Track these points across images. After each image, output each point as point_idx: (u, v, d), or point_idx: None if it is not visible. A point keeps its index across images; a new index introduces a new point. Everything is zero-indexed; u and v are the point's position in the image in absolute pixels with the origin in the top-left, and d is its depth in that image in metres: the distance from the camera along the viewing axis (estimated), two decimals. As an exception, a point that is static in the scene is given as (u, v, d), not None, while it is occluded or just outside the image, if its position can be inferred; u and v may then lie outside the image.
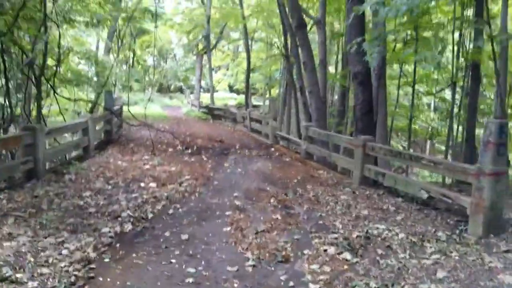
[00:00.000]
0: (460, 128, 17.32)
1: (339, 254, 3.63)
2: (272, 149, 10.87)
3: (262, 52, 32.01)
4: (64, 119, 11.27)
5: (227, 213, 4.85)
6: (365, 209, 5.20)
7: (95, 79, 21.62)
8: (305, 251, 3.69)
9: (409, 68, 18.45)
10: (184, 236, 3.96)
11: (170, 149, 9.96)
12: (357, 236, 4.11)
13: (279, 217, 4.78)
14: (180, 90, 44.87)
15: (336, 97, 25.77)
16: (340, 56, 23.01)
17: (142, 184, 6.06)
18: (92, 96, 23.55)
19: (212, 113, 20.71)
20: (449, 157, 17.46)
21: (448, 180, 15.37)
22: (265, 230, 4.25)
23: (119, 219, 4.35)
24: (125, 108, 18.84)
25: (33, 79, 10.41)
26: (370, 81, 7.14)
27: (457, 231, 4.38)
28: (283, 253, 3.59)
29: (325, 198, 5.73)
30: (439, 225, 4.61)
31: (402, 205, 5.40)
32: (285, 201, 5.52)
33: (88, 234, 3.82)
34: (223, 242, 3.88)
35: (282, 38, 25.25)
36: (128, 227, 4.12)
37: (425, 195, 5.16)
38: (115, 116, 10.62)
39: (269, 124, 11.51)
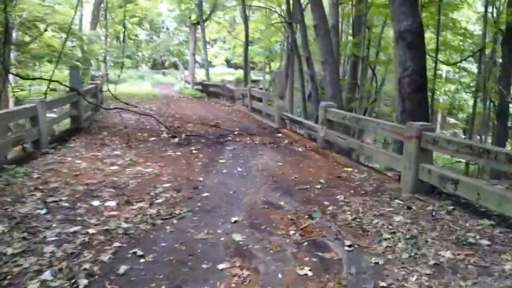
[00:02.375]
0: (482, 101, 15.28)
1: None
2: (279, 134, 8.86)
3: (260, 23, 29.59)
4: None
5: (221, 265, 2.86)
6: (442, 244, 3.23)
7: (77, 54, 19.37)
8: None
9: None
10: None
11: (152, 138, 7.96)
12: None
13: (309, 273, 2.81)
14: (175, 66, 42.44)
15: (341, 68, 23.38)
16: (342, 26, 20.79)
17: (96, 203, 4.06)
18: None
19: (207, 90, 18.56)
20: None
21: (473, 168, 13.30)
22: (290, 317, 2.29)
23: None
24: (110, 87, 16.75)
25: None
26: (423, 42, 5.02)
27: None
28: None
29: (371, 221, 3.75)
30: None
31: (496, 235, 3.42)
32: (311, 231, 3.54)
33: None
34: None
35: (284, 4, 22.91)
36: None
37: (541, 222, 3.18)
38: (84, 98, 8.52)
39: (275, 103, 9.44)
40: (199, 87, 20.17)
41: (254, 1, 26.51)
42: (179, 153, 6.71)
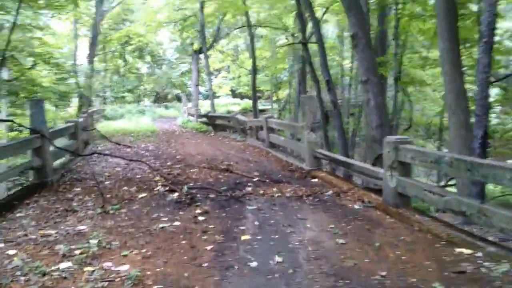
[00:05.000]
0: None
1: None
2: (315, 179, 6.56)
3: (265, 50, 27.84)
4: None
5: None
6: None
7: (61, 88, 17.36)
8: None
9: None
10: None
11: (142, 195, 5.67)
12: None
13: None
14: (178, 98, 40.67)
15: (343, 91, 20.91)
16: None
17: None
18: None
19: (214, 122, 16.39)
20: None
21: None
22: None
23: None
24: (104, 124, 14.83)
25: None
26: None
27: None
28: None
29: None
30: None
31: None
32: None
33: None
34: None
35: (291, 28, 21.11)
36: None
37: None
38: (50, 142, 6.29)
39: (304, 137, 7.18)
40: (204, 119, 18.01)
41: (257, 29, 24.87)
42: (177, 223, 4.39)
